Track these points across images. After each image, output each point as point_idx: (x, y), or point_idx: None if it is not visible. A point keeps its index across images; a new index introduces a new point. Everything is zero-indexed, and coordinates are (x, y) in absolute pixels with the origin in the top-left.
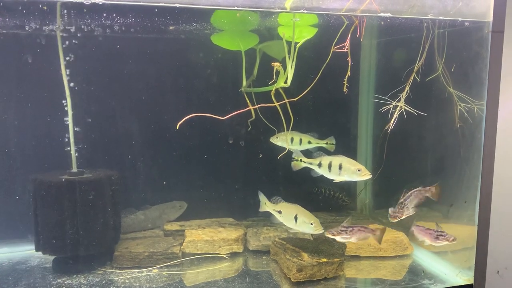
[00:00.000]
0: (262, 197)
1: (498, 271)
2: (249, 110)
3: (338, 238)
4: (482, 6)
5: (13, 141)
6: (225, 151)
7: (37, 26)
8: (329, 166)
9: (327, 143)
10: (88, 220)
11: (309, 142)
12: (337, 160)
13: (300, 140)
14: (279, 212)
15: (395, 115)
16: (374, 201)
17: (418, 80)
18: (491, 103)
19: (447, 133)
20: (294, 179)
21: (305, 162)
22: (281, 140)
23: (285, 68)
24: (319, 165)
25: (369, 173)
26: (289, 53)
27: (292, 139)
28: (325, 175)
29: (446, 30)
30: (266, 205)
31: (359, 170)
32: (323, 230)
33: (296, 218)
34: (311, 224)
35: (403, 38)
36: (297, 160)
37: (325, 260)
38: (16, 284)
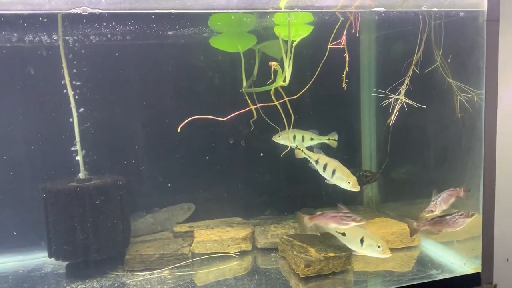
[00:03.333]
0: None
1: (508, 259)
2: (251, 110)
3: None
4: None
5: (21, 150)
6: (230, 151)
7: (39, 38)
8: (324, 166)
9: (329, 139)
10: (98, 225)
11: (312, 139)
12: (332, 164)
13: (303, 137)
14: (343, 234)
15: (396, 109)
16: (380, 194)
17: (418, 72)
18: (490, 91)
19: (449, 123)
20: (302, 177)
21: (305, 154)
22: (283, 138)
23: (283, 67)
24: (316, 162)
25: (358, 187)
26: (286, 52)
27: (294, 137)
28: (319, 172)
29: (442, 21)
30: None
31: (349, 182)
32: (390, 254)
33: (362, 241)
34: (379, 247)
35: (401, 31)
36: (299, 149)
37: (332, 254)
38: None
